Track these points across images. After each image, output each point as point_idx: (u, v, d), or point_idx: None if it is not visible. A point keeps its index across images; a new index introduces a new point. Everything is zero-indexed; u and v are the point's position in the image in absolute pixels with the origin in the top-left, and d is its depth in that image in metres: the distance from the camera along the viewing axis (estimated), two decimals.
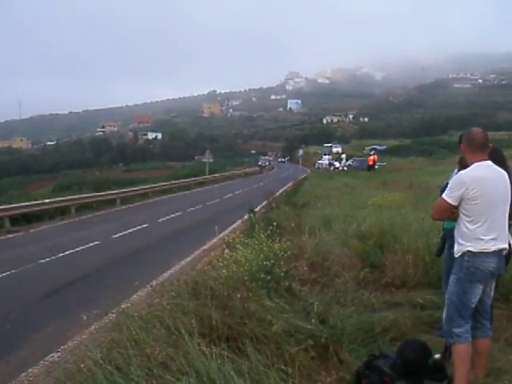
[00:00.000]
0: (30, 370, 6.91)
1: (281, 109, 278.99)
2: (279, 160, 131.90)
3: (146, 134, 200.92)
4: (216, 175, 61.11)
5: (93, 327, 7.87)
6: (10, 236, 19.98)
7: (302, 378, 4.92)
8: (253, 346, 5.20)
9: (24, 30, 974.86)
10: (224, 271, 7.09)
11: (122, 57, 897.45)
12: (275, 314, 5.81)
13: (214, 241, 15.39)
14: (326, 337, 5.54)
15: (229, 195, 37.99)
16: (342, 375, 5.23)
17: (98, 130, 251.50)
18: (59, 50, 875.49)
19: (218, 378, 4.50)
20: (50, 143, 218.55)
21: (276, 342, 5.36)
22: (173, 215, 25.01)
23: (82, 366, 5.11)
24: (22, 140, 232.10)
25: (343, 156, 67.09)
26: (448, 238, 6.37)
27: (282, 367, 4.89)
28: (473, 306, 5.13)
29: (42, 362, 7.16)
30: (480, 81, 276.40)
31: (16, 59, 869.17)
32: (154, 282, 10.63)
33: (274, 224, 10.28)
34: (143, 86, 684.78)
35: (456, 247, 5.24)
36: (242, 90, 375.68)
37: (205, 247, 15.13)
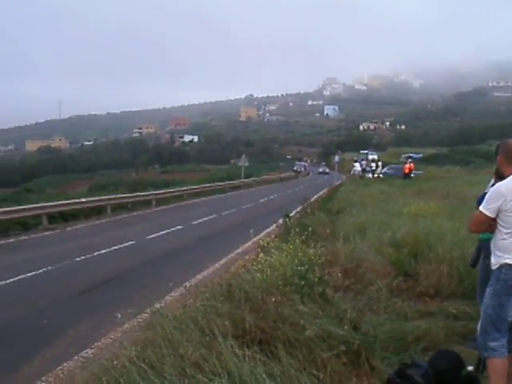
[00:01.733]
0: (64, 364, 7.04)
1: (317, 114, 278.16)
2: (320, 170, 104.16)
3: (182, 137, 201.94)
4: (251, 179, 61.15)
5: (126, 326, 7.98)
6: (47, 233, 20.25)
7: None
8: (285, 350, 5.22)
9: (65, 31, 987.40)
10: (258, 275, 7.12)
11: (161, 59, 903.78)
12: (308, 318, 5.83)
13: (248, 244, 15.41)
14: (359, 343, 5.54)
15: (263, 199, 37.99)
16: (373, 382, 5.24)
17: (135, 131, 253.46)
18: (99, 52, 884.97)
19: (250, 380, 4.54)
20: (87, 143, 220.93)
21: (308, 347, 5.37)
22: (207, 218, 25.10)
23: (117, 362, 5.19)
24: (60, 140, 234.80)
25: (379, 163, 66.42)
26: (483, 249, 6.31)
27: (314, 372, 4.90)
28: (509, 319, 5.04)
29: (76, 357, 7.27)
30: None
31: (57, 60, 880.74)
32: (187, 284, 10.72)
33: (309, 229, 10.26)
34: (181, 89, 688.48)
35: (493, 259, 5.15)
36: (279, 94, 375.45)
37: (239, 250, 15.12)
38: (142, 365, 4.89)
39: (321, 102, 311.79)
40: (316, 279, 7.26)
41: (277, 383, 4.57)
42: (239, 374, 4.63)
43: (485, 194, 5.67)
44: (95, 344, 7.71)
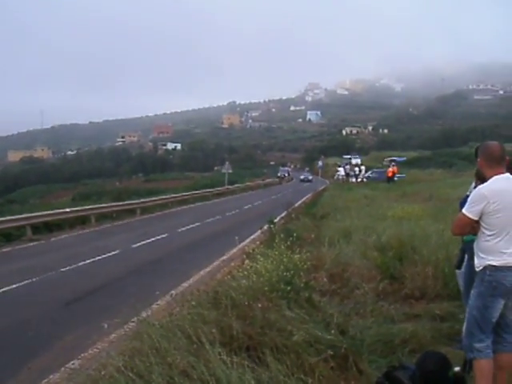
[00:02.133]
0: (51, 376, 7.00)
1: (300, 120, 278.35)
2: (301, 177, 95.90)
3: (165, 145, 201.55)
4: (235, 186, 61.20)
5: (113, 335, 7.95)
6: (31, 244, 20.16)
7: None
8: (273, 356, 5.23)
9: (46, 41, 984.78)
10: (244, 281, 7.14)
11: (142, 68, 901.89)
12: (295, 324, 5.85)
13: (233, 251, 15.43)
14: (346, 347, 5.57)
15: (248, 206, 38.02)
16: None
17: (118, 140, 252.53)
18: (80, 61, 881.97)
19: None
20: (70, 153, 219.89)
21: (296, 352, 5.38)
22: (192, 225, 25.09)
23: (104, 372, 5.18)
24: (43, 149, 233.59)
25: (363, 167, 66.72)
26: (467, 250, 6.36)
27: (302, 377, 4.92)
28: (494, 320, 5.07)
29: (62, 368, 7.21)
30: (501, 92, 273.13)
31: (38, 69, 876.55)
32: (173, 292, 10.71)
33: (294, 235, 10.30)
34: (163, 97, 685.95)
35: (477, 261, 5.19)
36: (262, 100, 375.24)
37: (224, 258, 15.14)
38: (130, 374, 4.87)
39: (303, 108, 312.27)
40: (302, 284, 7.30)
41: None
42: (228, 381, 4.64)
43: (467, 196, 5.73)
44: (82, 355, 7.67)
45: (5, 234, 20.99)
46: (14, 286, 12.57)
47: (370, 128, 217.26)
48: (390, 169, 48.32)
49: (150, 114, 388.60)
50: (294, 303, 6.73)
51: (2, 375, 7.18)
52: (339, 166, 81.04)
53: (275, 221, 16.90)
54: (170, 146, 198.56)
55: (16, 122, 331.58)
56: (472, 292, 5.23)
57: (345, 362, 5.52)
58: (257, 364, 5.12)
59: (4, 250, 18.88)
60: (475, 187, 5.79)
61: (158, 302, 9.98)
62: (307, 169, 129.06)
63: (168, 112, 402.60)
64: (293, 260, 8.18)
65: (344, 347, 5.54)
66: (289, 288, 6.97)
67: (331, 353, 5.38)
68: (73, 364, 7.36)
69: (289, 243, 9.40)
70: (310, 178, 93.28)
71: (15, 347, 8.54)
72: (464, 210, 5.13)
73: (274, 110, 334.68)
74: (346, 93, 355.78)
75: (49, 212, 24.77)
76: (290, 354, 5.36)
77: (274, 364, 5.05)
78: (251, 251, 9.95)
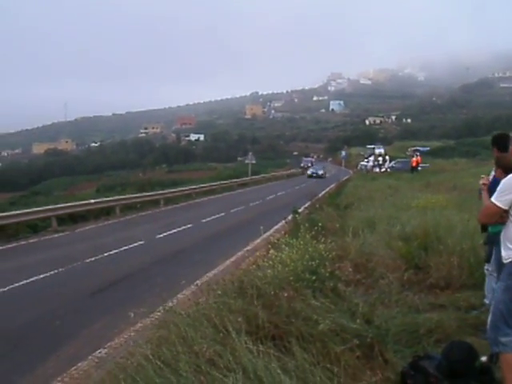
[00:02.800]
0: (79, 364, 7.10)
1: (323, 110, 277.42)
2: (309, 172, 75.99)
3: (188, 136, 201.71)
4: (258, 176, 61.15)
5: (139, 324, 8.02)
6: (56, 235, 20.32)
7: (347, 377, 4.94)
8: (299, 345, 5.24)
9: (70, 33, 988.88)
10: (269, 271, 7.16)
11: (165, 59, 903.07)
12: (321, 313, 5.86)
13: (257, 241, 15.45)
14: (371, 337, 5.57)
15: (271, 196, 38.02)
16: (387, 375, 5.23)
17: (141, 131, 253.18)
18: (103, 53, 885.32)
19: (265, 376, 4.55)
20: (93, 145, 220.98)
21: (322, 341, 5.39)
22: (216, 216, 25.16)
23: (132, 360, 5.24)
24: (67, 142, 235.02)
25: (386, 157, 66.19)
26: (494, 242, 6.29)
27: (328, 366, 4.92)
28: None
29: (90, 357, 7.33)
30: None
31: (62, 62, 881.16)
32: (199, 281, 10.78)
33: (320, 225, 10.29)
34: (186, 88, 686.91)
35: (504, 252, 5.08)
36: (284, 91, 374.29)
37: (248, 248, 15.18)
38: (158, 362, 4.92)
39: (326, 98, 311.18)
40: (327, 274, 7.30)
41: (291, 378, 4.57)
42: (254, 370, 4.65)
43: (496, 179, 5.65)
44: (109, 344, 7.77)
45: (31, 226, 21.19)
46: (41, 276, 12.72)
47: (394, 118, 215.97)
48: (414, 159, 47.88)
49: (172, 106, 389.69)
50: (319, 293, 6.74)
51: (32, 363, 7.30)
52: (366, 158, 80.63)
53: (299, 211, 16.87)
54: (193, 137, 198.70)
55: (40, 115, 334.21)
56: (498, 285, 5.13)
57: (370, 351, 5.51)
58: (282, 353, 5.14)
59: (31, 240, 19.05)
60: (495, 176, 5.74)
61: (184, 292, 10.02)
62: (330, 159, 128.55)
63: (191, 103, 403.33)
64: (318, 250, 8.18)
65: (370, 337, 5.54)
66: (314, 277, 6.98)
67: (357, 342, 5.38)
68: (100, 352, 7.47)
69: (314, 233, 9.40)
70: (321, 172, 72.32)
71: (44, 336, 8.65)
72: (493, 199, 5.01)
73: (296, 100, 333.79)
74: (369, 82, 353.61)
75: (73, 203, 24.91)
76: (316, 343, 5.37)
77: (300, 353, 5.05)
78: (276, 241, 9.97)
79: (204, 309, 6.27)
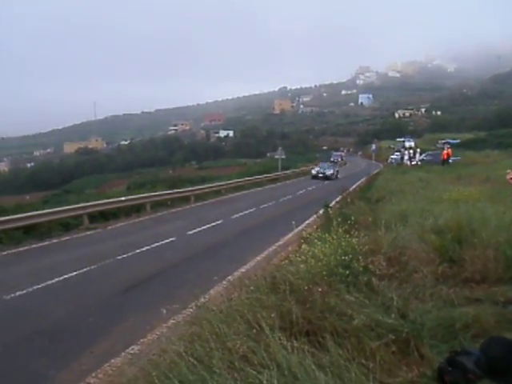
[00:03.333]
0: (112, 360, 7.14)
1: (352, 104, 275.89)
2: (314, 172, 56.00)
3: (217, 132, 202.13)
4: (288, 171, 60.95)
5: (172, 321, 8.02)
6: (88, 233, 20.44)
7: (383, 373, 4.87)
8: (333, 340, 5.18)
9: (99, 32, 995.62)
10: (302, 266, 7.10)
11: (194, 56, 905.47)
12: (355, 308, 5.79)
13: (288, 236, 15.41)
14: (407, 331, 5.47)
15: (301, 191, 37.90)
16: (423, 371, 5.13)
17: (171, 128, 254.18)
18: (131, 51, 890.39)
19: (300, 372, 4.51)
20: (123, 143, 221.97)
21: (356, 337, 5.33)
22: (246, 212, 25.14)
23: (165, 357, 5.22)
24: (97, 140, 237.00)
25: (418, 150, 65.50)
26: None
27: (363, 362, 4.86)
28: None
29: (123, 353, 7.38)
30: None
31: (91, 61, 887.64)
32: (230, 277, 10.77)
33: (352, 219, 10.20)
34: (214, 85, 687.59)
35: None
36: (313, 85, 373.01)
37: (280, 243, 15.15)
38: (191, 359, 4.89)
39: (354, 91, 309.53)
40: (360, 268, 7.21)
41: (326, 374, 4.52)
42: (288, 366, 4.61)
43: None
44: (141, 340, 7.80)
45: (63, 224, 21.34)
46: (74, 273, 12.80)
47: (423, 110, 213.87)
48: (445, 151, 47.39)
49: (201, 102, 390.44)
50: (353, 287, 6.66)
51: (67, 359, 7.36)
52: (396, 151, 79.87)
53: (330, 205, 16.77)
54: (222, 133, 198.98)
55: (71, 115, 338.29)
56: None
57: (406, 346, 5.41)
58: (317, 349, 5.09)
59: (63, 238, 19.18)
60: None
61: (216, 288, 10.02)
62: (360, 153, 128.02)
63: (219, 99, 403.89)
64: (351, 244, 8.10)
65: (405, 331, 5.45)
66: (347, 272, 6.91)
67: (392, 337, 5.30)
68: (133, 349, 7.49)
69: (346, 227, 9.32)
70: (330, 172, 54.38)
71: (78, 332, 8.71)
72: None
73: (325, 94, 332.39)
74: (398, 75, 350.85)
75: (104, 201, 25.06)
76: (351, 339, 5.31)
77: (335, 348, 5.00)
78: (308, 235, 9.90)
79: (237, 305, 6.25)
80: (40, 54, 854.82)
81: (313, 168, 58.24)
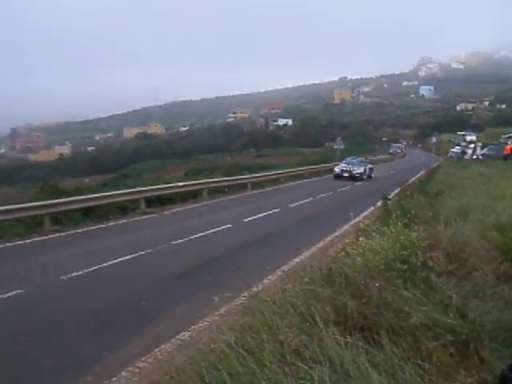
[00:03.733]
0: (162, 346, 7.12)
1: (413, 95, 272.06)
2: (337, 171, 43.19)
3: (276, 121, 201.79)
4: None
5: (223, 309, 7.96)
6: (144, 217, 20.62)
7: (439, 376, 4.66)
8: (388, 338, 5.01)
9: (161, 19, 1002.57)
10: (359, 259, 6.94)
11: (253, 44, 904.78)
12: (413, 305, 5.59)
13: (345, 227, 15.23)
14: (467, 333, 5.24)
15: (359, 182, 37.65)
16: (483, 376, 4.86)
17: (230, 116, 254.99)
18: (193, 38, 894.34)
19: (352, 369, 4.37)
20: (182, 129, 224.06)
21: (413, 335, 5.13)
22: (303, 201, 25.04)
23: (215, 347, 5.14)
24: (156, 126, 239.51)
25: (479, 144, 64.16)
26: None
27: (419, 362, 4.67)
28: None
29: (173, 339, 7.34)
30: None
31: (152, 47, 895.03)
32: (284, 267, 10.66)
33: (412, 212, 9.98)
34: (274, 73, 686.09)
35: None
36: (373, 76, 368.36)
37: (336, 234, 14.99)
38: (241, 351, 4.79)
39: (416, 83, 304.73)
40: (419, 264, 7.00)
41: (380, 373, 4.37)
42: (341, 363, 4.48)
43: None
44: (192, 327, 7.73)
45: (120, 207, 21.60)
46: (129, 256, 12.90)
47: (487, 103, 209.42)
48: (508, 146, 46.27)
49: (261, 90, 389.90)
50: (411, 283, 6.46)
51: (119, 342, 7.40)
52: (456, 145, 78.48)
53: (389, 197, 16.51)
54: (281, 121, 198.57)
55: (131, 100, 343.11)
56: None
57: (465, 348, 5.16)
58: (371, 345, 4.94)
59: (120, 221, 19.43)
60: None
61: (269, 277, 9.93)
62: (420, 145, 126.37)
63: (279, 88, 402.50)
64: (410, 238, 7.89)
65: (465, 333, 5.22)
66: (405, 267, 6.71)
67: (451, 338, 5.08)
68: (183, 335, 7.44)
69: (406, 221, 9.10)
70: (360, 170, 42.30)
71: (130, 316, 8.75)
72: None
73: (385, 85, 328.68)
74: (461, 67, 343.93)
75: (162, 186, 25.26)
76: (407, 337, 5.12)
77: (390, 346, 4.83)
78: (366, 228, 9.72)
79: (290, 296, 6.14)
80: (103, 39, 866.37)
81: (336, 165, 44.89)
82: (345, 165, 43.29)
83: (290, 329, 5.12)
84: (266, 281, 9.69)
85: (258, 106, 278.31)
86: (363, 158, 49.65)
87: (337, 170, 42.76)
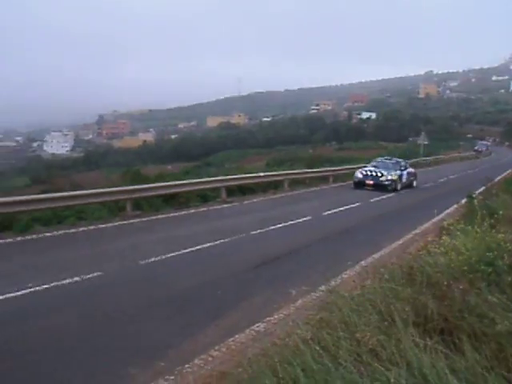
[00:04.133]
0: (236, 336, 7.10)
1: (502, 90, 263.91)
2: (359, 176, 30.19)
3: (359, 114, 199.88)
4: (430, 158, 59.32)
5: (299, 302, 7.86)
6: (224, 206, 20.79)
7: None
8: (470, 344, 4.76)
9: (243, 9, 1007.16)
10: (442, 258, 6.71)
11: (339, 35, 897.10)
12: (498, 311, 5.32)
13: (426, 225, 14.94)
14: None
15: (443, 179, 36.93)
16: None
17: (312, 108, 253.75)
18: (277, 29, 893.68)
19: (431, 374, 4.17)
20: (265, 119, 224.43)
21: (498, 343, 4.84)
22: (384, 196, 24.91)
23: (290, 341, 5.05)
24: (239, 116, 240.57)
25: None
26: None
27: (504, 373, 4.38)
28: None
29: (247, 330, 7.31)
30: None
31: (236, 37, 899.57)
32: (363, 263, 10.48)
33: (500, 213, 9.63)
34: (358, 65, 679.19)
35: None
36: (461, 70, 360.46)
37: (417, 231, 14.70)
38: (317, 347, 4.68)
39: (507, 77, 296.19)
40: (505, 267, 6.71)
41: (460, 381, 4.14)
42: (419, 366, 4.29)
43: None
44: (267, 319, 7.68)
45: (201, 195, 21.85)
46: (207, 244, 13.01)
47: None
48: None
49: (344, 83, 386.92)
50: (496, 287, 6.18)
51: (193, 328, 7.45)
52: None
53: (474, 196, 16.07)
54: (365, 114, 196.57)
55: (215, 90, 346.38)
56: None
57: None
58: (451, 350, 4.71)
59: (200, 209, 19.65)
60: None
61: (347, 272, 9.78)
62: (507, 143, 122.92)
63: (363, 80, 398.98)
64: (496, 239, 7.58)
65: None
66: (490, 270, 6.44)
67: None
68: (257, 327, 7.40)
69: (492, 221, 8.77)
70: (387, 178, 29.31)
71: (206, 303, 8.79)
72: None
73: (473, 80, 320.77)
74: None
75: (243, 175, 25.38)
76: (491, 344, 4.84)
77: (471, 353, 4.57)
78: (449, 226, 9.43)
79: (369, 293, 5.98)
80: (188, 28, 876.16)
81: (361, 169, 31.33)
82: (372, 167, 30.74)
83: (368, 327, 4.97)
84: (344, 275, 9.56)
85: (342, 99, 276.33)
86: (400, 159, 34.63)
87: (358, 175, 30.20)
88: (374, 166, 30.60)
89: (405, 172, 30.52)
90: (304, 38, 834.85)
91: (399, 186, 29.11)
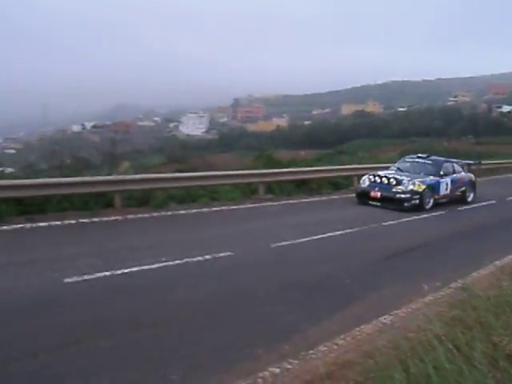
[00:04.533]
0: (362, 326, 7.00)
1: None
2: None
3: (500, 107, 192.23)
4: None
5: (429, 298, 7.66)
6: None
7: None
8: None
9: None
10: None
11: (479, 25, 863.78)
12: None
13: None
14: None
15: None
16: None
17: (450, 99, 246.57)
18: (417, 19, 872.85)
19: None
20: (400, 109, 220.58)
21: None
22: None
23: (422, 336, 4.93)
24: (374, 104, 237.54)
25: None
26: None
27: None
28: None
29: (374, 321, 7.19)
30: None
31: (377, 26, 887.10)
32: (498, 262, 10.10)
33: None
34: (501, 55, 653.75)
35: None
36: None
37: None
38: (450, 346, 4.53)
39: None
40: None
41: None
42: None
43: None
44: (395, 311, 7.54)
45: (333, 182, 21.91)
46: (338, 232, 12.99)
47: None
48: None
49: (485, 74, 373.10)
50: None
51: (319, 315, 7.40)
52: None
53: None
54: (506, 108, 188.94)
55: (350, 78, 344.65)
56: None
57: None
58: None
59: (331, 197, 19.94)
60: None
61: (481, 271, 9.47)
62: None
63: (506, 71, 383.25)
64: None
65: None
66: None
67: None
68: (385, 319, 7.28)
69: None
70: (405, 189, 17.75)
71: (334, 292, 8.72)
72: None
73: None
74: None
75: (375, 165, 25.02)
76: None
77: None
78: None
79: (507, 295, 5.72)
80: (322, 19, 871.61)
81: (369, 175, 19.44)
82: (391, 171, 19.89)
83: (505, 331, 4.76)
84: (477, 274, 9.26)
85: (482, 90, 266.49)
86: (449, 159, 21.83)
87: (362, 184, 19.22)
88: (398, 169, 20.34)
89: (447, 179, 19.48)
90: (445, 26, 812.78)
91: (430, 203, 18.39)
